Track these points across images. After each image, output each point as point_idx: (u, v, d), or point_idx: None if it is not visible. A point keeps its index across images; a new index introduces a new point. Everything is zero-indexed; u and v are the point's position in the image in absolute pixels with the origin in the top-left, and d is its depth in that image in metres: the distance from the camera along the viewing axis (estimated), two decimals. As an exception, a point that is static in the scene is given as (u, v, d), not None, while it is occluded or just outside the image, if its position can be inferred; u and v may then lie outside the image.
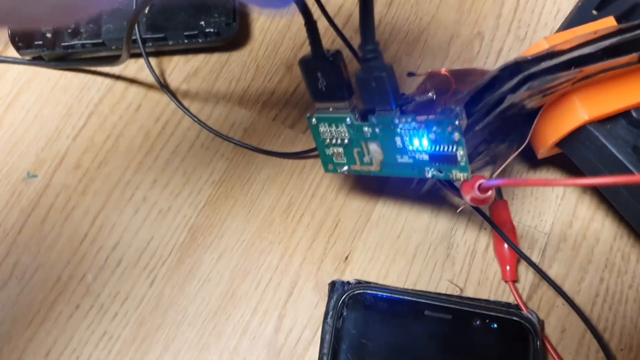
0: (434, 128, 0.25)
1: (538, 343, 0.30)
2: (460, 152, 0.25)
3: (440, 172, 0.26)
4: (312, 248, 0.34)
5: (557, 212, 0.35)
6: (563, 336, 0.32)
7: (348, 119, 0.27)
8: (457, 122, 0.24)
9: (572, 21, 0.32)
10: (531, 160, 0.35)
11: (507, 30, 0.39)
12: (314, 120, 0.28)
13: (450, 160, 0.25)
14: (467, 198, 0.27)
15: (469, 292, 0.33)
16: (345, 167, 0.29)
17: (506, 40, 0.39)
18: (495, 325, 0.30)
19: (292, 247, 0.34)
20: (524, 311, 0.32)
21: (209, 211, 0.35)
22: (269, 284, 0.33)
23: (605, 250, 0.34)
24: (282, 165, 0.36)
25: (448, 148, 0.25)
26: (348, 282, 0.32)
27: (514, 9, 0.40)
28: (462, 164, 0.25)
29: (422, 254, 0.34)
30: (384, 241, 0.34)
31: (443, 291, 0.33)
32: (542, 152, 0.32)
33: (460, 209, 0.28)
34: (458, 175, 0.26)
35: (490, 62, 0.38)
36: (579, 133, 0.30)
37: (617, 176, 0.31)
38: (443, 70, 0.29)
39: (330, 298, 0.32)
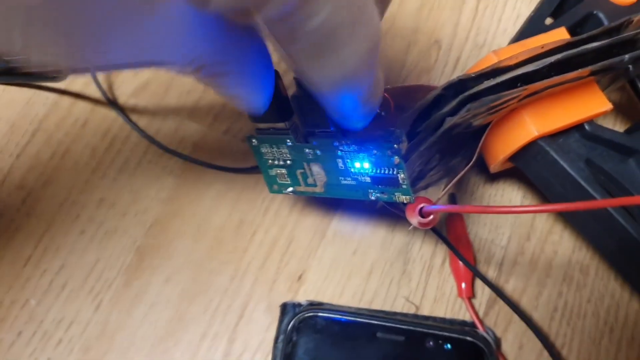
0: (374, 151, 0.24)
1: (492, 364, 0.29)
2: (401, 176, 0.24)
3: (384, 194, 0.25)
4: (265, 267, 0.33)
5: (514, 224, 0.34)
6: (520, 353, 0.31)
7: (288, 140, 0.26)
8: (396, 146, 0.23)
9: (524, 32, 0.31)
10: (489, 172, 0.34)
11: (465, 38, 0.38)
12: (254, 141, 0.27)
13: (392, 183, 0.24)
14: (413, 221, 0.26)
15: (425, 310, 0.32)
16: (290, 189, 0.28)
17: (464, 48, 0.38)
18: (449, 346, 0.30)
19: (243, 267, 0.33)
20: (480, 329, 0.31)
21: (156, 231, 0.34)
22: (218, 306, 0.32)
23: (564, 264, 0.33)
24: (233, 181, 0.35)
25: (389, 171, 0.24)
26: (299, 304, 0.31)
27: (472, 15, 0.39)
28: (404, 186, 0.24)
29: (378, 270, 0.33)
30: (339, 259, 0.33)
31: (399, 309, 0.32)
32: (494, 167, 0.31)
33: (410, 227, 0.27)
34: (401, 197, 0.25)
35: (448, 71, 0.37)
36: (530, 148, 0.29)
37: (554, 205, 0.31)
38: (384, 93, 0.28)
39: (280, 321, 0.31)
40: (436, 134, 0.25)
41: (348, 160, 0.25)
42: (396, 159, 0.23)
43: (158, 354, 0.31)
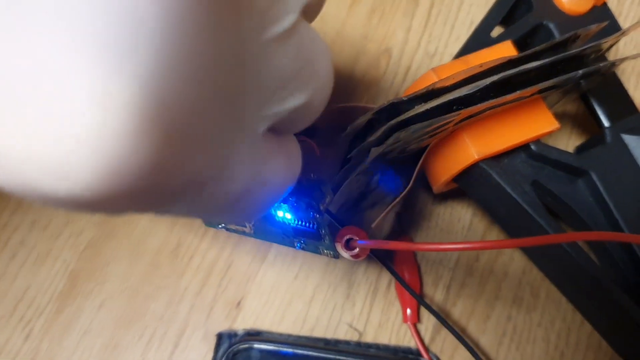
0: (294, 203, 0.22)
1: (434, 396, 0.28)
2: (323, 231, 0.22)
3: (307, 245, 0.24)
4: (202, 293, 0.32)
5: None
6: (467, 381, 0.30)
7: None
8: (315, 203, 0.22)
9: (468, 45, 0.30)
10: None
11: (416, 46, 0.36)
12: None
13: (313, 236, 0.23)
14: (343, 254, 0.25)
15: (369, 336, 0.31)
16: (222, 225, 0.27)
17: (415, 57, 0.36)
18: (389, 378, 0.28)
19: (179, 292, 0.32)
20: (425, 357, 0.30)
21: (90, 254, 0.32)
22: (154, 334, 0.31)
23: (514, 285, 0.32)
24: (172, 201, 0.34)
25: (310, 225, 0.23)
26: (235, 334, 0.30)
27: (424, 21, 0.37)
28: (326, 242, 0.23)
29: (320, 295, 0.32)
30: (280, 283, 0.32)
31: (342, 336, 0.31)
32: (437, 189, 0.29)
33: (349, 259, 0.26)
34: (325, 251, 0.24)
35: (398, 82, 0.36)
36: (472, 170, 0.27)
37: (487, 242, 0.29)
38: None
39: (216, 352, 0.30)
40: (363, 164, 0.24)
41: (272, 209, 0.24)
42: (317, 217, 0.22)
43: (89, 385, 0.30)
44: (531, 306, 0.31)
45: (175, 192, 0.12)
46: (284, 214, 0.23)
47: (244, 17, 0.12)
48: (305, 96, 0.16)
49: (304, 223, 0.23)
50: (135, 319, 0.31)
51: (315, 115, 0.18)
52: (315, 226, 0.23)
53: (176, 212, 0.14)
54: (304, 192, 0.22)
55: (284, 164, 0.18)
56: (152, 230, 0.33)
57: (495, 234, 0.33)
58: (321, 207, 0.22)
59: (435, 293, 0.32)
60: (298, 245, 0.25)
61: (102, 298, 0.32)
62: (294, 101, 0.16)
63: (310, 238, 0.24)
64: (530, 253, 0.30)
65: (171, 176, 0.11)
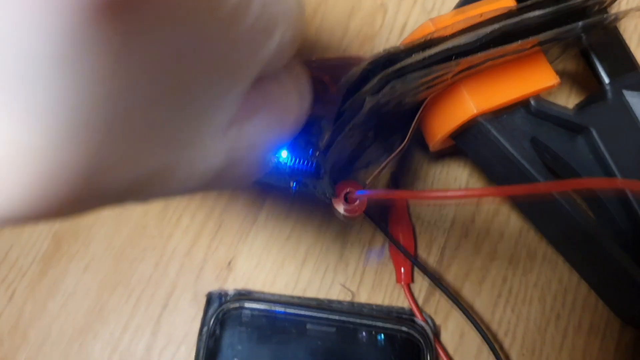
0: (292, 141, 0.21)
1: (428, 356, 0.28)
2: (322, 170, 0.22)
3: (306, 186, 0.23)
4: (191, 254, 0.31)
5: (459, 205, 0.32)
6: (461, 342, 0.30)
7: None
8: (315, 140, 0.21)
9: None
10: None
11: (413, 1, 0.35)
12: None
13: (312, 175, 0.22)
14: (339, 209, 0.24)
15: (362, 297, 0.30)
16: None
17: (412, 13, 0.35)
18: (382, 337, 0.28)
19: (168, 253, 0.31)
20: (418, 317, 0.29)
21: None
22: (141, 296, 0.30)
23: (510, 247, 0.31)
24: (159, 160, 0.32)
25: (309, 164, 0.22)
26: (226, 293, 0.29)
27: (421, -24, 0.36)
28: (325, 181, 0.22)
29: (313, 256, 0.31)
30: (272, 244, 0.31)
31: (335, 297, 0.30)
32: (433, 146, 0.28)
33: (342, 217, 0.25)
34: (321, 193, 0.23)
35: (393, 38, 0.34)
36: (470, 126, 0.26)
37: (494, 188, 0.29)
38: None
39: (205, 312, 0.29)
40: (358, 116, 0.23)
41: None
42: (316, 154, 0.21)
43: (75, 348, 0.29)
44: (527, 268, 0.31)
45: (126, 191, 0.13)
46: (280, 153, 0.22)
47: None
48: (279, 36, 0.15)
49: (301, 161, 0.22)
50: (122, 281, 0.30)
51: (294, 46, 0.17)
52: (313, 164, 0.22)
53: (155, 197, 0.14)
54: (302, 128, 0.21)
55: (277, 114, 0.17)
56: (139, 190, 0.32)
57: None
58: (320, 144, 0.21)
59: (430, 255, 0.31)
60: (294, 185, 0.24)
61: (87, 260, 0.31)
62: (267, 50, 0.15)
63: (307, 177, 0.23)
64: (528, 211, 0.29)
65: (106, 182, 0.12)
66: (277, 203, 0.32)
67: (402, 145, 0.25)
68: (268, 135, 0.17)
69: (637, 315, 0.28)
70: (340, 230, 0.31)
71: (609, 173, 0.27)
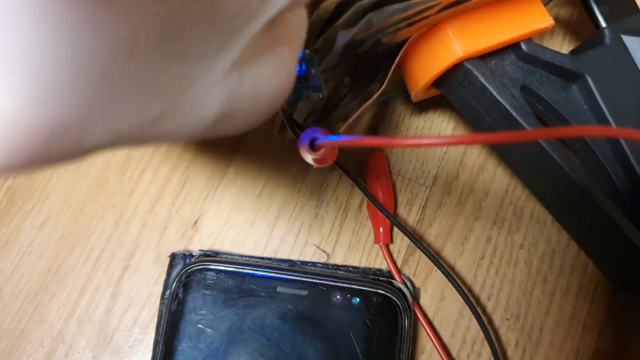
0: None
1: (407, 321, 0.26)
2: (313, 71, 0.19)
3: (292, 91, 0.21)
4: (154, 212, 0.29)
5: (442, 161, 0.30)
6: (442, 305, 0.28)
7: None
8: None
9: None
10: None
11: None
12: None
13: (300, 79, 0.20)
14: (306, 158, 0.22)
15: (338, 258, 0.29)
16: None
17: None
18: (357, 300, 0.26)
19: (129, 211, 0.29)
20: (396, 279, 0.28)
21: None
22: (100, 256, 0.28)
23: (495, 205, 0.29)
24: (120, 111, 0.30)
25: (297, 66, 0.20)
26: (191, 254, 0.27)
27: None
28: (317, 74, 0.20)
29: (286, 214, 0.29)
30: (242, 201, 0.29)
31: (309, 258, 0.28)
32: (415, 95, 0.26)
33: (314, 166, 0.23)
34: (312, 94, 0.20)
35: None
36: (455, 72, 0.24)
37: (482, 134, 0.26)
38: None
39: (168, 274, 0.27)
40: (332, 54, 0.20)
41: None
42: (307, 52, 0.19)
43: (30, 311, 0.27)
44: (513, 227, 0.29)
45: (113, 139, 0.12)
46: None
47: None
48: None
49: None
50: (80, 240, 0.28)
51: None
52: (303, 66, 0.20)
53: (146, 144, 0.13)
54: None
55: (282, 62, 0.15)
56: (98, 143, 0.29)
57: (477, 150, 0.30)
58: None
59: (410, 213, 0.29)
60: None
61: (43, 217, 0.29)
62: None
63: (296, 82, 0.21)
64: (515, 166, 0.27)
65: (90, 131, 0.11)
66: (248, 157, 0.29)
67: (380, 89, 0.22)
68: (272, 82, 0.14)
69: (629, 277, 0.26)
70: (316, 189, 0.29)
71: (604, 124, 0.25)
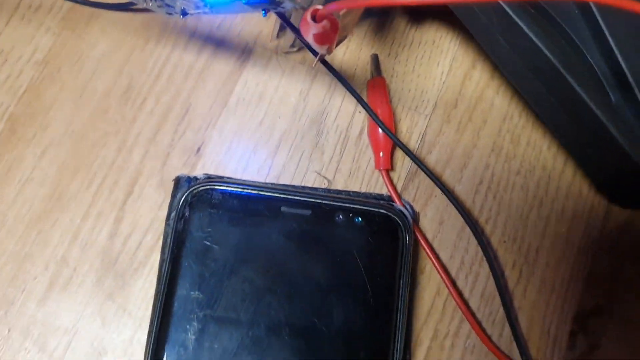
0: None
1: (407, 237, 0.26)
2: None
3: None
4: (157, 139, 0.29)
5: (441, 90, 0.30)
6: (441, 228, 0.29)
7: None
8: None
9: None
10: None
11: None
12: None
13: None
14: (309, 39, 0.22)
15: (339, 185, 0.29)
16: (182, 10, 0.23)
17: None
18: (360, 219, 0.27)
19: (131, 138, 0.29)
20: (397, 202, 0.28)
21: (31, 98, 0.29)
22: (103, 182, 0.28)
23: (493, 133, 0.30)
24: (121, 40, 0.30)
25: None
26: (195, 178, 0.28)
27: None
28: None
29: (287, 143, 0.29)
30: (244, 129, 0.29)
31: (310, 185, 0.29)
32: None
33: (315, 62, 0.23)
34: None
35: None
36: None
37: None
38: None
39: (173, 196, 0.27)
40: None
41: None
42: None
43: (33, 235, 0.27)
44: (510, 154, 0.30)
45: None
46: None
47: None
48: None
49: None
50: (82, 167, 0.28)
51: None
52: None
53: None
54: None
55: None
56: (99, 71, 0.29)
57: (475, 79, 0.30)
58: None
59: (410, 141, 0.30)
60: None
61: (44, 144, 0.29)
62: None
63: None
64: (506, 64, 0.26)
65: None
66: (248, 86, 0.30)
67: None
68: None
69: (614, 181, 0.27)
70: (317, 117, 0.30)
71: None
